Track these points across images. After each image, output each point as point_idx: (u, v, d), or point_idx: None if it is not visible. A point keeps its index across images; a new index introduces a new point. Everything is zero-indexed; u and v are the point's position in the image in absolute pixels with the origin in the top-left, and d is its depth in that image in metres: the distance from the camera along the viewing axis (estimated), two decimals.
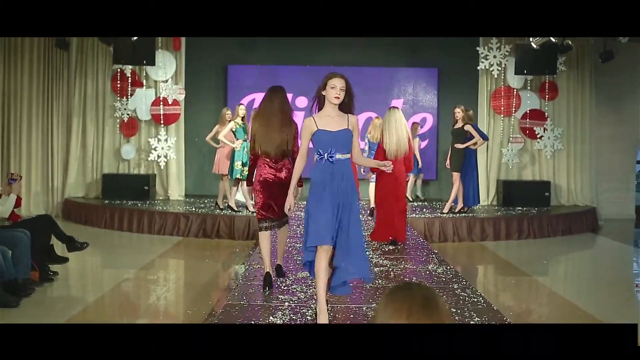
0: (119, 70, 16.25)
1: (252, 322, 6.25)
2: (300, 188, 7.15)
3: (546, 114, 16.61)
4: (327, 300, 6.27)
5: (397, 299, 2.18)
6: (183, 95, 16.47)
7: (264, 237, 7.83)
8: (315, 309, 6.37)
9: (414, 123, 16.45)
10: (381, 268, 8.96)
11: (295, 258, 9.37)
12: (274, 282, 7.76)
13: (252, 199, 13.81)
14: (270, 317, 6.42)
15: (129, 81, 16.31)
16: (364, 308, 6.83)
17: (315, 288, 7.65)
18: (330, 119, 6.13)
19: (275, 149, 7.51)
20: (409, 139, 10.71)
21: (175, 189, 16.63)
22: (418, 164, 15.74)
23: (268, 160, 7.57)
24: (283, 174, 7.56)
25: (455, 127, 13.91)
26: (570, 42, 15.17)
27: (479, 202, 14.64)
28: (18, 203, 9.63)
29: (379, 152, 10.65)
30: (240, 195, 14.16)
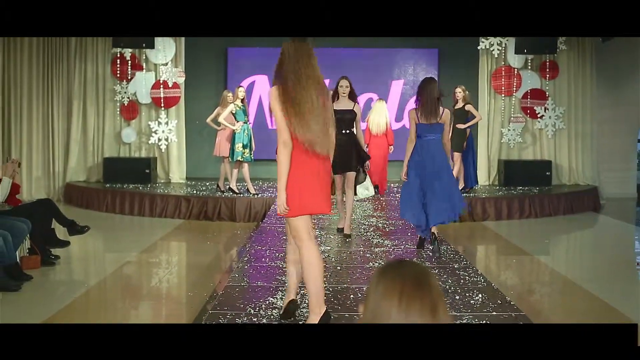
0: (118, 53, 16.22)
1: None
2: None
3: (547, 93, 16.56)
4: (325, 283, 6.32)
5: (389, 278, 2.16)
6: (183, 78, 16.44)
7: None
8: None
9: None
10: (382, 248, 8.96)
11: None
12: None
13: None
14: (270, 298, 6.43)
15: (129, 65, 16.28)
16: (365, 288, 6.83)
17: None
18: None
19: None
20: (387, 121, 14.59)
21: (176, 171, 16.62)
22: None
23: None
24: None
25: (456, 107, 13.89)
26: None
27: (477, 183, 14.69)
28: (16, 189, 9.61)
29: (366, 130, 14.36)
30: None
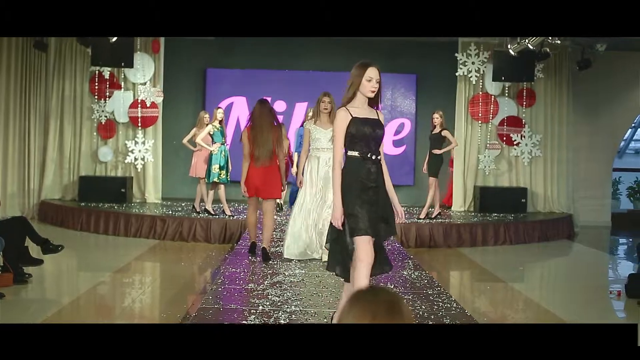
0: (97, 72, 16.18)
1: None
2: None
3: (523, 120, 16.67)
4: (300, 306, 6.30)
5: (361, 304, 2.16)
6: (161, 98, 16.41)
7: None
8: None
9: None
10: None
11: (270, 263, 9.36)
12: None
13: (228, 204, 13.85)
14: (244, 322, 6.41)
15: (107, 83, 16.23)
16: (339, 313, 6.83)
17: (290, 292, 7.69)
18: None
19: None
20: None
21: (152, 191, 16.56)
22: None
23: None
24: None
25: (434, 132, 13.96)
26: (548, 50, 15.18)
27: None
28: None
29: None
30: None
